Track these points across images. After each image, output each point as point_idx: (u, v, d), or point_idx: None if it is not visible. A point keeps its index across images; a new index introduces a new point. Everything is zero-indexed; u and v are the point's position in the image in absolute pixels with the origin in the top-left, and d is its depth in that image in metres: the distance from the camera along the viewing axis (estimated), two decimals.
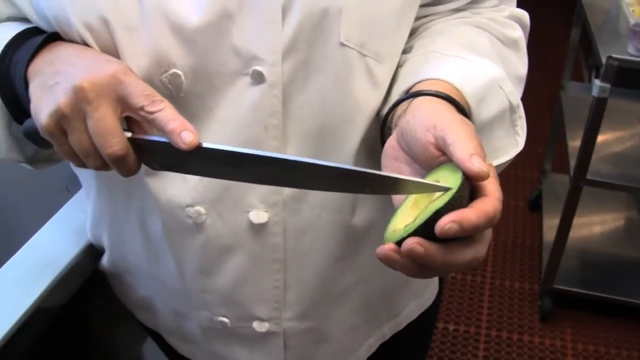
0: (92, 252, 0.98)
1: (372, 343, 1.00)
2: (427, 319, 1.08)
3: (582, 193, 2.07)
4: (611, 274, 2.38)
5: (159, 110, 0.61)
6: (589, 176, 2.02)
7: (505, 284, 2.54)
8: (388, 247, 0.55)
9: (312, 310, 0.87)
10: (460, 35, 0.78)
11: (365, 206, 0.82)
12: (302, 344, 0.91)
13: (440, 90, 0.66)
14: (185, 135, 0.60)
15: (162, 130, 0.61)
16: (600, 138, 1.98)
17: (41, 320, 0.88)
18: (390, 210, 0.86)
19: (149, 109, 0.61)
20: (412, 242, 0.53)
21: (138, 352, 1.36)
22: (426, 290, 1.04)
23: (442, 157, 0.59)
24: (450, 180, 0.55)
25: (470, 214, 0.52)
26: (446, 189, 0.56)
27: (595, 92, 1.84)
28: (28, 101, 0.66)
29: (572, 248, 2.43)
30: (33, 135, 0.68)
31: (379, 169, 0.77)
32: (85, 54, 0.67)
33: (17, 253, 0.95)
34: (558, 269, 2.25)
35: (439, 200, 0.54)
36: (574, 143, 2.19)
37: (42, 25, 0.71)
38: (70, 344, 1.05)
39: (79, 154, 0.64)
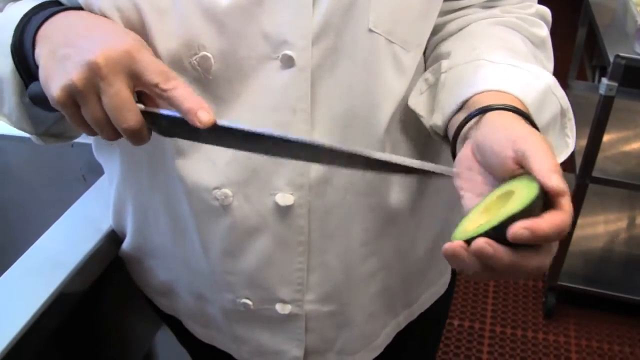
0: (112, 240, 0.99)
1: (389, 332, 1.01)
2: (439, 309, 1.09)
3: (587, 191, 2.09)
4: (615, 271, 2.40)
5: (174, 88, 0.63)
6: (594, 174, 2.04)
7: (510, 281, 2.55)
8: (457, 243, 0.57)
9: (334, 294, 0.88)
10: (498, 38, 0.79)
11: (392, 191, 0.84)
12: (323, 328, 0.92)
13: (508, 104, 0.67)
14: (202, 114, 0.62)
15: (177, 108, 0.63)
16: (605, 137, 1.99)
17: (61, 309, 0.89)
18: (420, 198, 0.87)
19: (164, 86, 0.63)
20: (483, 242, 0.55)
21: (150, 342, 1.37)
22: (440, 279, 1.06)
23: (518, 170, 0.60)
24: (525, 191, 0.57)
25: (543, 224, 0.53)
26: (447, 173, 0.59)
27: (602, 91, 1.85)
28: (35, 65, 0.68)
29: (576, 245, 2.45)
30: (39, 99, 0.69)
31: (404, 155, 0.78)
32: (97, 25, 0.67)
33: (37, 242, 0.96)
34: (562, 265, 2.27)
35: (514, 206, 0.56)
36: (580, 142, 2.20)
37: (68, 4, 0.73)
38: (85, 333, 1.07)
39: (92, 126, 0.66)
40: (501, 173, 0.62)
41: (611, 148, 2.22)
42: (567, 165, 2.95)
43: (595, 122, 1.93)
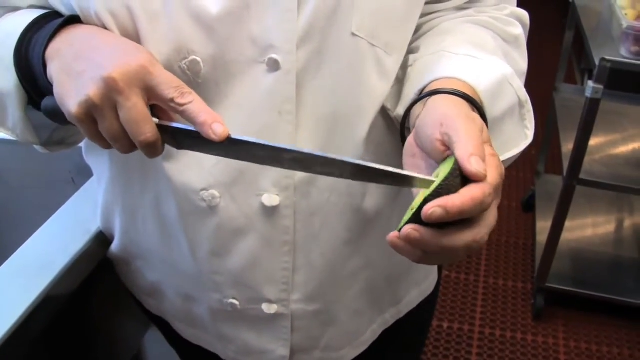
0: (100, 241, 0.99)
1: (375, 329, 1.02)
2: (426, 309, 1.10)
3: (575, 194, 2.11)
4: (603, 273, 2.42)
5: (189, 103, 0.64)
6: (582, 176, 2.06)
7: (499, 283, 2.57)
8: (393, 234, 0.59)
9: (320, 293, 0.90)
10: (466, 33, 0.81)
11: (373, 191, 0.85)
12: (309, 327, 0.93)
13: (456, 89, 0.69)
14: (217, 127, 0.63)
15: (192, 122, 0.64)
16: (592, 140, 2.01)
17: (49, 310, 0.89)
18: (398, 197, 0.88)
19: (179, 101, 0.64)
20: (408, 228, 0.57)
21: (139, 343, 1.37)
22: (426, 280, 1.07)
23: (448, 151, 0.62)
24: (444, 172, 0.59)
25: (455, 199, 0.55)
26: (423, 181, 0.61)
27: (588, 94, 1.87)
28: (47, 81, 0.68)
29: (564, 247, 2.46)
30: (54, 114, 0.70)
31: (386, 157, 0.82)
32: (107, 38, 0.69)
33: (25, 244, 0.96)
34: (551, 268, 2.28)
35: (429, 189, 0.58)
36: (567, 145, 2.22)
37: (64, 11, 0.74)
38: (73, 335, 1.07)
39: (108, 139, 0.67)
40: (435, 156, 0.64)
41: (598, 150, 2.24)
42: (554, 168, 2.97)
43: (582, 124, 1.94)
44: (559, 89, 2.65)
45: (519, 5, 0.90)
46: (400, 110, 0.77)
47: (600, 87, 1.85)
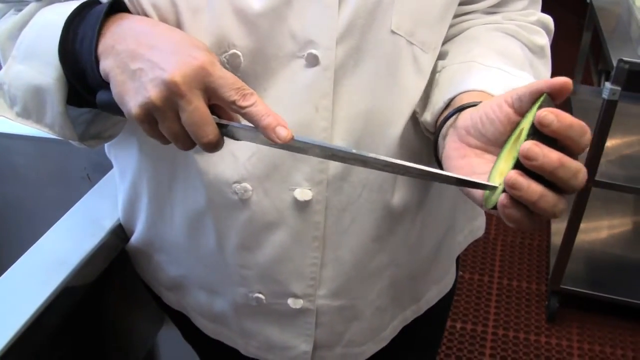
0: (116, 237, 1.00)
1: (396, 325, 1.03)
2: (443, 307, 1.11)
3: (590, 196, 2.10)
4: (618, 275, 2.40)
5: (252, 105, 0.64)
6: (597, 178, 2.05)
7: (513, 284, 2.56)
8: (503, 196, 0.58)
9: (346, 288, 0.90)
10: (494, 42, 0.82)
11: (403, 188, 0.86)
12: (333, 322, 0.93)
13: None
14: (280, 130, 0.63)
15: (255, 124, 0.64)
16: (609, 141, 2.00)
17: (64, 305, 0.90)
18: (423, 192, 0.89)
19: (241, 103, 0.64)
20: (513, 173, 0.56)
21: (152, 341, 1.38)
22: (445, 278, 1.08)
23: (518, 118, 0.62)
24: (531, 115, 0.59)
25: (566, 114, 0.55)
26: (488, 187, 0.61)
27: (605, 95, 1.86)
28: (98, 77, 0.69)
29: (579, 249, 2.45)
30: (109, 107, 0.70)
31: (414, 154, 0.83)
32: (162, 33, 0.69)
33: (41, 240, 0.97)
34: (565, 269, 2.27)
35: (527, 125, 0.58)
36: None
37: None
38: (88, 329, 1.07)
39: (168, 138, 0.68)
40: (505, 128, 0.63)
41: (615, 152, 2.23)
42: None
43: (598, 126, 1.94)
44: (576, 91, 2.64)
45: None
46: (427, 117, 0.77)
47: (618, 88, 1.84)
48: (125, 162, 0.93)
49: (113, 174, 1.02)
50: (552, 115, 0.54)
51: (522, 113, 0.61)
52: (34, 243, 0.96)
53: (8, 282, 0.89)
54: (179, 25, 0.71)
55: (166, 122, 0.66)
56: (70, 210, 1.04)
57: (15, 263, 0.92)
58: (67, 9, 0.72)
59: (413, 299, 1.03)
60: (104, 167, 0.96)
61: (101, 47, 0.69)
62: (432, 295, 1.06)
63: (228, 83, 0.64)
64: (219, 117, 0.68)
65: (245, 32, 0.71)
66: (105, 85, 0.69)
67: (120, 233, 1.01)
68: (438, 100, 0.76)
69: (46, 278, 0.89)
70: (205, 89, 0.64)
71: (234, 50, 0.72)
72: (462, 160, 0.67)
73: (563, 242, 2.21)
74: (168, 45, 0.67)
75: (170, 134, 0.67)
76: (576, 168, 0.56)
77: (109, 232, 0.99)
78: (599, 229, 2.61)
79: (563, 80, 0.57)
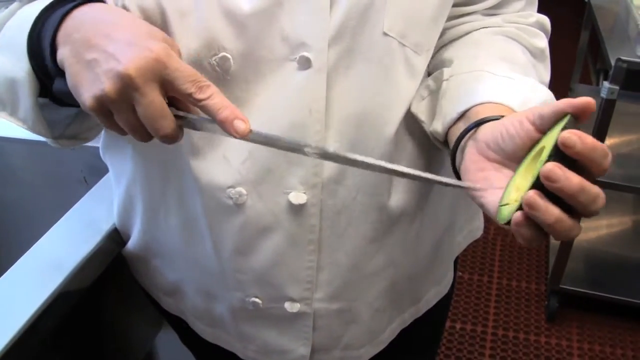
0: (112, 241, 0.99)
1: (394, 328, 1.02)
2: (442, 308, 1.11)
3: None
4: (618, 275, 2.40)
5: (208, 98, 0.63)
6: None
7: (512, 284, 2.55)
8: (518, 214, 0.58)
9: (343, 291, 0.89)
10: (499, 48, 0.81)
11: (399, 190, 0.85)
12: (330, 325, 0.93)
13: (504, 115, 0.69)
14: (238, 124, 0.63)
15: (212, 117, 0.64)
16: (608, 141, 1.99)
17: (61, 309, 0.89)
18: (421, 195, 0.89)
19: (197, 96, 0.63)
20: (532, 193, 0.56)
21: (150, 345, 1.37)
22: (444, 279, 1.07)
23: (539, 135, 0.62)
24: (553, 134, 0.58)
25: (588, 137, 0.54)
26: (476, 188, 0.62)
27: (604, 94, 1.86)
28: (55, 66, 0.68)
29: (578, 249, 2.45)
30: (66, 96, 0.68)
31: (410, 155, 0.83)
32: (119, 22, 0.67)
33: (37, 243, 0.96)
34: (565, 269, 2.27)
35: (549, 144, 0.57)
36: None
37: None
38: (85, 333, 1.07)
39: (125, 130, 0.66)
40: (525, 145, 0.63)
41: (613, 151, 2.22)
42: None
43: (597, 125, 1.93)
44: (575, 90, 2.64)
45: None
46: (437, 127, 0.77)
47: (616, 87, 1.84)
48: (119, 167, 0.93)
49: (110, 177, 1.01)
50: (576, 137, 0.54)
51: (543, 131, 0.61)
52: (31, 246, 0.96)
53: (4, 286, 0.89)
54: (166, 28, 0.70)
55: (122, 115, 0.64)
56: (67, 213, 1.03)
57: (12, 267, 0.92)
58: (47, 3, 0.72)
59: (412, 301, 1.02)
60: (101, 170, 0.96)
61: (60, 35, 0.67)
62: (432, 296, 1.06)
63: (184, 75, 0.63)
64: (178, 108, 0.67)
65: (235, 34, 0.70)
66: (62, 74, 0.68)
67: (116, 237, 1.00)
68: (450, 111, 0.75)
69: (43, 281, 0.88)
70: (161, 82, 0.63)
71: (224, 53, 0.71)
72: (480, 173, 0.67)
73: (562, 242, 2.21)
74: (124, 34, 0.65)
75: (126, 126, 0.66)
76: (595, 194, 0.56)
77: (105, 236, 0.98)
78: (599, 229, 2.61)
79: (586, 100, 0.57)
